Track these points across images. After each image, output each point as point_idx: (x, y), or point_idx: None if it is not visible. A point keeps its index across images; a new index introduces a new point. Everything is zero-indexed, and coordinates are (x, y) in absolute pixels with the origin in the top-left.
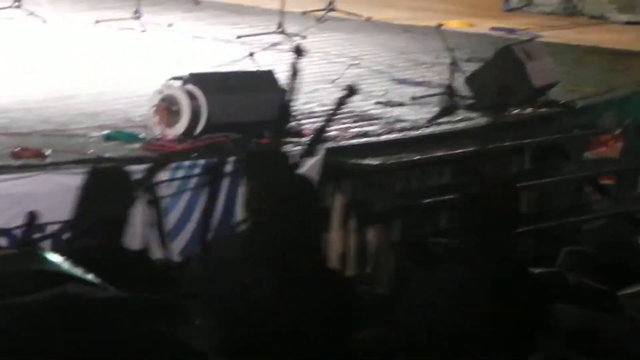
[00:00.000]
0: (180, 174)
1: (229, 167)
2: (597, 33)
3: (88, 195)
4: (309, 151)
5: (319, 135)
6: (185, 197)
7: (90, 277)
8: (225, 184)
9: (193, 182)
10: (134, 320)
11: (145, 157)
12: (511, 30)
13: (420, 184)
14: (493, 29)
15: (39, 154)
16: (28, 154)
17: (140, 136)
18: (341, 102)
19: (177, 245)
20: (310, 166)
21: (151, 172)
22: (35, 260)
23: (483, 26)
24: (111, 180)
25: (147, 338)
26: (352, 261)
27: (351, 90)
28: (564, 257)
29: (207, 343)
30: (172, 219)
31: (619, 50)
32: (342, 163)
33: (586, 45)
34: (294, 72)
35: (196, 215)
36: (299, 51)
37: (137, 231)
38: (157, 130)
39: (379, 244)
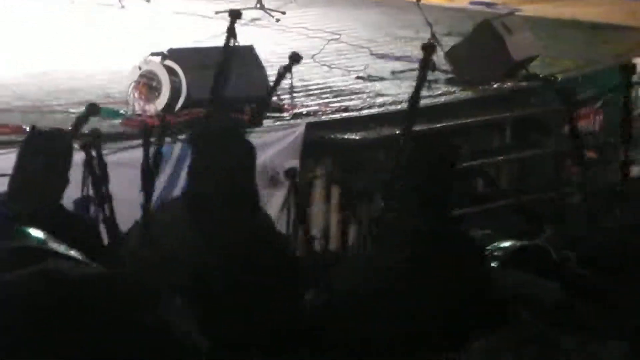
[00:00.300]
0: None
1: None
2: (575, 6)
3: (25, 159)
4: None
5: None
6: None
7: (72, 252)
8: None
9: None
10: (115, 297)
11: (126, 133)
12: (490, 4)
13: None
14: (472, 3)
15: (19, 130)
16: (8, 130)
17: (120, 112)
18: (285, 70)
19: None
20: (290, 141)
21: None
22: (17, 237)
23: (461, 1)
24: (47, 143)
25: (129, 315)
26: (334, 236)
27: (295, 58)
28: (549, 234)
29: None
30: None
31: (597, 23)
32: (322, 138)
33: (565, 19)
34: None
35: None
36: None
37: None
38: (137, 106)
39: (360, 219)
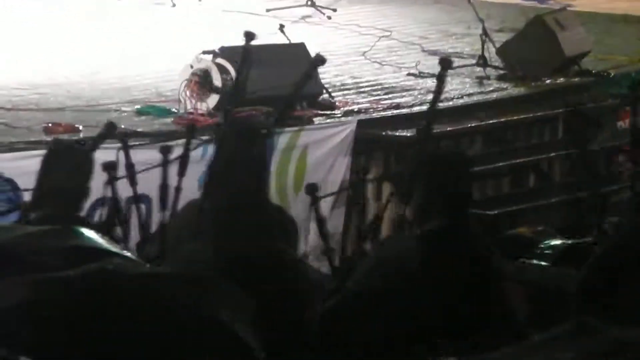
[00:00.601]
0: (212, 148)
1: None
2: (628, 1)
3: (46, 170)
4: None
5: (287, 108)
6: None
7: (126, 253)
8: None
9: None
10: (171, 295)
11: (177, 132)
12: (542, 0)
13: None
14: None
15: (72, 129)
16: (61, 129)
17: (172, 110)
18: (309, 72)
19: None
20: (342, 138)
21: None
22: (72, 237)
23: None
24: (67, 155)
25: (185, 313)
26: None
27: (319, 60)
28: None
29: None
30: None
31: None
32: (374, 135)
33: (617, 14)
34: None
35: None
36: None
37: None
38: (189, 105)
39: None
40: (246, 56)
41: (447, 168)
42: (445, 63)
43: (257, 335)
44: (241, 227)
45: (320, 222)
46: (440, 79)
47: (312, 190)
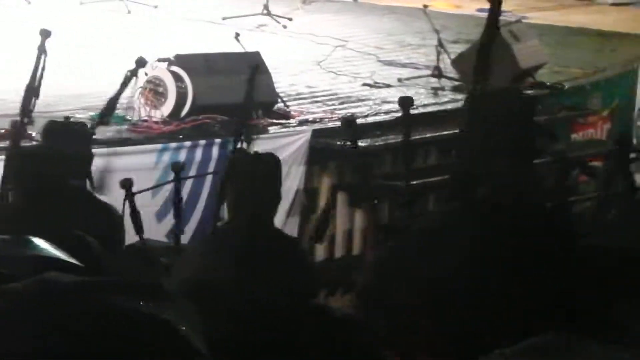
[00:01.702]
0: (166, 156)
1: (215, 150)
2: (583, 14)
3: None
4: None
5: (111, 105)
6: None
7: (75, 261)
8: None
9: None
10: (112, 303)
11: (132, 139)
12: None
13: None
14: (479, 10)
15: (26, 136)
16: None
17: (126, 118)
18: (131, 74)
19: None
20: (297, 147)
21: None
22: (29, 247)
23: (469, 7)
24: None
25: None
26: (340, 243)
27: (141, 62)
28: None
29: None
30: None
31: (605, 32)
32: (328, 145)
33: (572, 27)
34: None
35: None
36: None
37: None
38: (143, 112)
39: (366, 226)
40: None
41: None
42: (408, 101)
43: (202, 338)
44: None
45: (134, 216)
46: (406, 118)
47: (126, 185)
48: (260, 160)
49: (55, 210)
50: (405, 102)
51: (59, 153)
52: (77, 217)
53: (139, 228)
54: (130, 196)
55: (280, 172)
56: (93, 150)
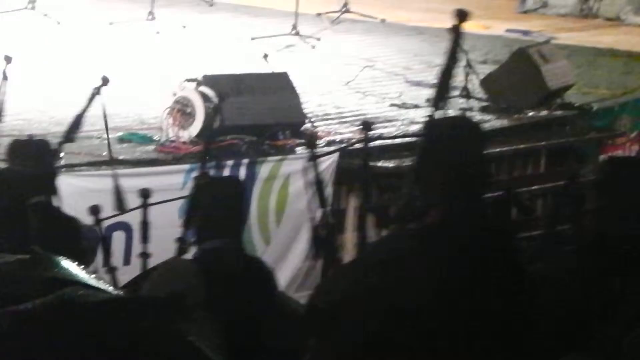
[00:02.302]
0: (194, 176)
1: (242, 170)
2: (612, 35)
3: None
4: None
5: (77, 122)
6: None
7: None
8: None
9: None
10: (132, 322)
11: (159, 160)
12: (526, 32)
13: None
14: (508, 30)
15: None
16: None
17: (154, 138)
18: (96, 91)
19: None
20: (324, 168)
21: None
22: (48, 266)
23: (498, 28)
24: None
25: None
26: None
27: (104, 80)
28: None
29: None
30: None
31: (634, 52)
32: (356, 165)
33: (601, 47)
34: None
35: None
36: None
37: None
38: (171, 133)
39: None
40: None
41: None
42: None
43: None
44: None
45: (105, 242)
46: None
47: (95, 211)
48: (221, 183)
49: (16, 227)
50: (365, 125)
51: (20, 171)
52: (40, 232)
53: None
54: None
55: (242, 194)
56: (119, 171)
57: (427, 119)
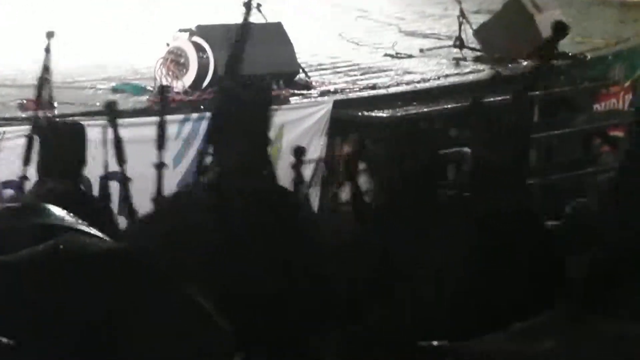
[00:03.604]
0: (187, 126)
1: None
2: None
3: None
4: None
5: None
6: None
7: (92, 230)
8: None
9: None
10: (132, 272)
11: (153, 109)
12: None
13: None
14: None
15: (48, 106)
16: (36, 106)
17: (147, 88)
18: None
19: None
20: (318, 118)
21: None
22: (40, 214)
23: None
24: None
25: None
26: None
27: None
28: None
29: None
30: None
31: (627, 2)
32: (350, 115)
33: None
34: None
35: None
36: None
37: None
38: (164, 82)
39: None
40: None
41: None
42: None
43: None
44: None
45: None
46: None
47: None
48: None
49: None
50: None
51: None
52: None
53: None
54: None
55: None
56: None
57: None
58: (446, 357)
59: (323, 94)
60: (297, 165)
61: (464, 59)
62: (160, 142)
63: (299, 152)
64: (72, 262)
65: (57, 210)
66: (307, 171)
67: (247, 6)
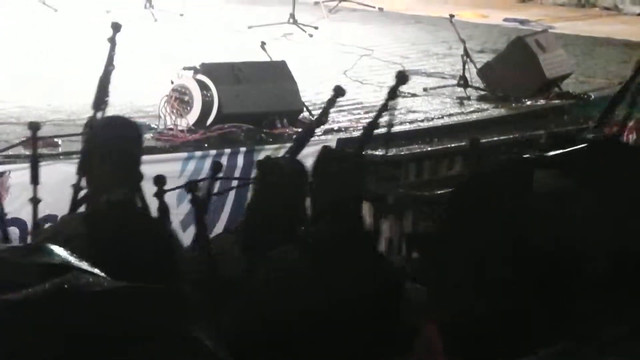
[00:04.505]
0: (191, 164)
1: (240, 159)
2: (609, 24)
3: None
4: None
5: None
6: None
7: (95, 270)
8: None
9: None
10: (136, 312)
11: (157, 148)
12: (524, 21)
13: (432, 175)
14: (506, 19)
15: (51, 144)
16: (40, 144)
17: (151, 126)
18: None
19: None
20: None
21: None
22: (43, 255)
23: (496, 17)
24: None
25: (150, 330)
26: None
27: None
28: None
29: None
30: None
31: (631, 42)
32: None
33: (599, 37)
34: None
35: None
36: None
37: None
38: (169, 121)
39: (391, 234)
40: None
41: None
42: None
43: (226, 350)
44: None
45: None
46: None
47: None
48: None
49: None
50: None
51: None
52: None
53: None
54: None
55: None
56: None
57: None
58: None
59: (327, 132)
60: (159, 194)
61: (468, 98)
62: None
63: (159, 181)
64: (77, 301)
65: (62, 252)
66: None
67: None
